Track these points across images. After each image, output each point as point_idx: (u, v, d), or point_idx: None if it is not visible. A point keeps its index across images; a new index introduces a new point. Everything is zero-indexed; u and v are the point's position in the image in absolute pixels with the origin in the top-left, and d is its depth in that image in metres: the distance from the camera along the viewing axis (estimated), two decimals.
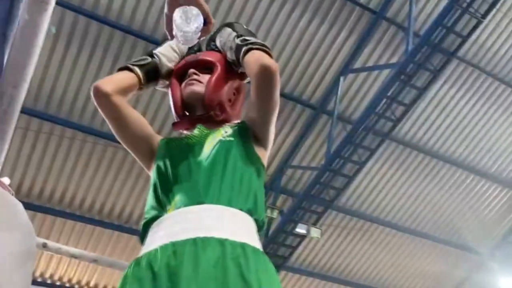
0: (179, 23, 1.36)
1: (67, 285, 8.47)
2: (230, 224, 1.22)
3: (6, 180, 1.43)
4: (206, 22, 1.41)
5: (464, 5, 6.46)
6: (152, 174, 1.40)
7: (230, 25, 1.55)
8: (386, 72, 7.47)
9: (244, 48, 1.41)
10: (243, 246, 1.17)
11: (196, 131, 1.43)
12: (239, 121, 1.51)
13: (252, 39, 1.43)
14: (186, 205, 1.25)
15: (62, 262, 8.19)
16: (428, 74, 6.94)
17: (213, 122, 1.45)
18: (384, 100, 7.04)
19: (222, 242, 1.16)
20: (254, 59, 1.37)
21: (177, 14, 1.37)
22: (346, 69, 7.57)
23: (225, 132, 1.40)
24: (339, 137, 7.70)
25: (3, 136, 1.75)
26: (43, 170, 7.40)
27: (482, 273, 10.22)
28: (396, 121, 7.27)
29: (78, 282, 8.53)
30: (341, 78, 7.59)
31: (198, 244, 1.15)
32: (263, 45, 1.41)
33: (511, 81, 8.38)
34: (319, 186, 7.69)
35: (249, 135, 1.41)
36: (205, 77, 1.47)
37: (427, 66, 6.82)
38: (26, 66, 1.60)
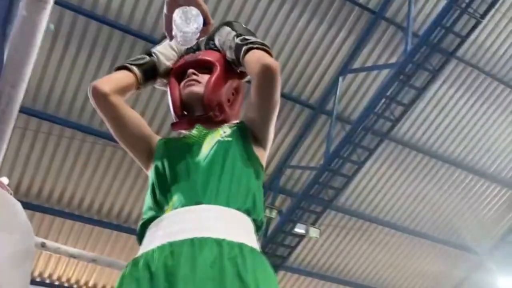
0: (179, 24, 1.36)
1: (66, 284, 8.47)
2: (228, 225, 1.22)
3: (4, 180, 1.42)
4: (205, 22, 1.41)
5: (463, 5, 6.46)
6: (150, 174, 1.40)
7: (229, 24, 1.55)
8: (385, 72, 7.48)
9: (244, 48, 1.40)
10: (241, 246, 1.17)
11: (194, 131, 1.42)
12: (238, 121, 1.51)
13: (252, 38, 1.42)
14: (184, 205, 1.25)
15: (60, 261, 8.18)
16: (427, 74, 6.95)
17: (212, 122, 1.45)
18: (383, 100, 7.04)
19: (219, 242, 1.16)
20: (255, 59, 1.36)
21: (177, 14, 1.36)
22: (345, 69, 7.57)
23: (223, 132, 1.40)
24: (338, 137, 7.70)
25: (1, 136, 1.75)
26: (42, 170, 7.39)
27: (481, 273, 10.23)
28: (395, 121, 7.27)
29: (77, 282, 8.53)
30: (340, 78, 7.60)
31: (195, 244, 1.15)
32: (263, 44, 1.41)
33: (510, 81, 8.38)
34: (318, 186, 7.69)
35: (248, 135, 1.41)
36: (204, 77, 1.46)
37: (426, 66, 6.83)
38: (25, 66, 1.60)
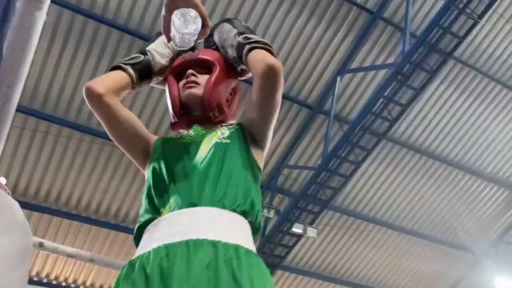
0: (177, 25, 1.36)
1: (63, 284, 8.45)
2: (224, 227, 1.22)
3: (2, 180, 1.42)
4: (203, 24, 1.41)
5: (461, 6, 6.47)
6: (147, 175, 1.39)
7: (229, 21, 1.54)
8: (383, 72, 7.49)
9: (247, 47, 1.40)
10: (236, 248, 1.17)
11: (192, 132, 1.42)
12: (236, 122, 1.51)
13: (254, 37, 1.42)
14: (180, 207, 1.25)
15: (58, 261, 8.17)
16: (425, 74, 6.96)
17: (211, 122, 1.45)
18: (381, 100, 7.05)
19: (215, 244, 1.16)
20: (259, 59, 1.36)
21: (176, 16, 1.36)
22: (343, 69, 7.58)
23: (221, 133, 1.39)
24: (335, 137, 7.71)
25: None
26: (40, 169, 7.38)
27: (478, 273, 10.25)
28: (393, 121, 7.28)
29: (74, 281, 8.52)
30: (338, 78, 7.60)
31: (190, 246, 1.15)
32: (266, 43, 1.40)
33: (507, 82, 8.40)
34: (316, 185, 7.70)
35: (246, 137, 1.40)
36: (203, 78, 1.46)
37: (423, 67, 6.84)
38: (21, 66, 1.60)
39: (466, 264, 10.29)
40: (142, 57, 1.47)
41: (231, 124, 1.50)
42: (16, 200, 1.23)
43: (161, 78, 1.53)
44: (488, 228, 10.02)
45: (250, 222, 1.29)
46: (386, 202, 9.25)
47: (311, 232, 8.07)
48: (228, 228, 1.22)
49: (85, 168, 7.52)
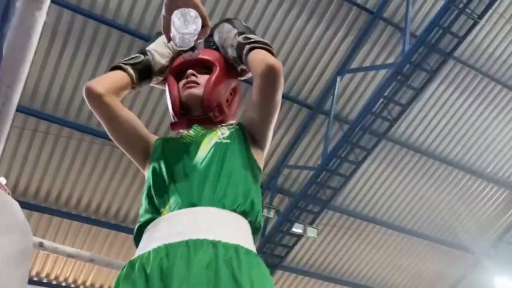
0: (177, 25, 1.36)
1: (63, 284, 8.45)
2: (224, 227, 1.22)
3: (2, 180, 1.42)
4: (203, 25, 1.41)
5: (461, 6, 6.47)
6: (147, 175, 1.39)
7: (228, 21, 1.54)
8: (383, 72, 7.49)
9: (247, 47, 1.40)
10: (236, 248, 1.17)
11: (191, 132, 1.42)
12: (236, 122, 1.51)
13: (255, 37, 1.42)
14: (180, 207, 1.25)
15: (58, 261, 8.17)
16: (425, 74, 6.96)
17: (211, 122, 1.45)
18: (381, 100, 7.05)
19: (215, 244, 1.16)
20: (259, 59, 1.36)
21: (176, 16, 1.36)
22: (343, 69, 7.58)
23: (221, 134, 1.39)
24: (335, 137, 7.71)
25: None
26: (40, 169, 7.38)
27: (478, 273, 10.26)
28: (393, 121, 7.28)
29: (74, 281, 8.52)
30: (338, 78, 7.60)
31: (190, 246, 1.15)
32: (266, 43, 1.40)
33: (507, 82, 8.40)
34: (316, 185, 7.70)
35: (247, 137, 1.40)
36: (203, 78, 1.46)
37: (423, 67, 6.84)
38: (21, 66, 1.60)
39: (466, 264, 10.29)
40: (142, 57, 1.47)
41: (231, 124, 1.50)
42: (16, 200, 1.23)
43: (161, 78, 1.52)
44: (488, 228, 10.02)
45: (250, 222, 1.29)
46: (386, 202, 9.25)
47: (311, 232, 8.07)
48: (228, 228, 1.22)
49: (85, 168, 7.52)
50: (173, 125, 1.50)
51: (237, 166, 1.33)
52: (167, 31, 1.42)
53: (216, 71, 1.47)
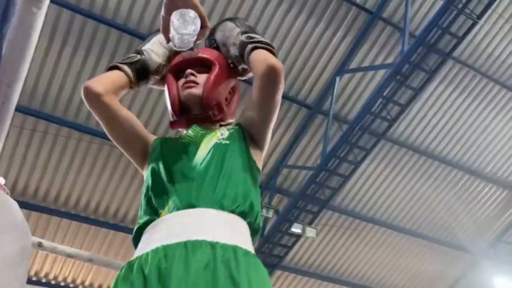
0: (177, 26, 1.36)
1: (62, 284, 8.45)
2: (222, 228, 1.22)
3: (1, 180, 1.42)
4: (202, 25, 1.41)
5: (460, 6, 6.48)
6: (146, 175, 1.39)
7: (232, 19, 1.54)
8: (382, 72, 7.49)
9: (250, 46, 1.40)
10: (235, 249, 1.17)
11: (190, 132, 1.41)
12: (235, 122, 1.51)
13: (258, 37, 1.42)
14: (179, 208, 1.25)
15: (57, 261, 8.17)
16: (424, 74, 6.96)
17: (210, 121, 1.45)
18: (380, 100, 7.05)
19: (213, 245, 1.16)
20: (261, 59, 1.36)
21: (175, 16, 1.36)
22: (342, 69, 7.58)
23: (221, 134, 1.39)
24: (334, 137, 7.71)
25: None
26: (38, 169, 7.38)
27: (477, 273, 10.27)
28: (392, 121, 7.28)
29: (73, 281, 8.51)
30: (337, 78, 7.61)
31: (188, 247, 1.15)
32: (268, 44, 1.40)
33: (506, 82, 8.41)
34: (315, 185, 7.70)
35: (246, 137, 1.40)
36: (202, 77, 1.46)
37: (422, 67, 6.84)
38: (21, 65, 1.60)
39: (465, 264, 10.30)
40: (138, 56, 1.47)
41: (229, 124, 1.51)
42: (14, 199, 1.23)
43: (158, 78, 1.52)
44: (487, 228, 10.03)
45: (249, 223, 1.29)
46: (385, 202, 9.25)
47: (310, 232, 8.07)
48: (227, 229, 1.22)
49: (84, 168, 7.52)
50: (172, 124, 1.50)
51: (237, 167, 1.33)
52: (166, 31, 1.42)
53: (215, 70, 1.46)
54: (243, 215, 1.27)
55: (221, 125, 1.52)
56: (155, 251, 1.18)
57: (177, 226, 1.22)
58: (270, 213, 8.02)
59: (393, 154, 8.70)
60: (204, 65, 1.48)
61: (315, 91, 7.81)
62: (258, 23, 6.93)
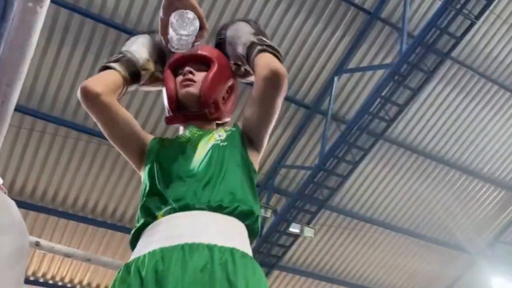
0: (176, 27, 1.36)
1: (60, 284, 8.44)
2: (220, 230, 1.21)
3: None
4: (201, 26, 1.41)
5: (458, 6, 6.49)
6: (143, 177, 1.39)
7: (246, 21, 1.53)
8: (380, 73, 7.50)
9: (258, 47, 1.39)
10: (232, 251, 1.17)
11: (187, 133, 1.41)
12: (230, 120, 1.51)
13: (267, 42, 1.42)
14: (176, 211, 1.24)
15: (54, 261, 8.16)
16: (422, 74, 6.97)
17: (206, 119, 1.45)
18: (378, 100, 7.06)
19: (210, 248, 1.16)
20: (266, 62, 1.36)
21: (174, 17, 1.36)
22: (340, 69, 7.58)
23: (218, 136, 1.39)
24: (333, 136, 7.71)
25: None
26: (36, 169, 7.36)
27: (475, 273, 10.28)
28: (390, 121, 7.29)
29: (71, 281, 8.50)
30: (336, 78, 7.61)
31: (186, 250, 1.15)
32: (276, 50, 1.40)
33: (504, 82, 8.42)
34: (313, 185, 7.70)
35: (244, 139, 1.40)
36: (200, 75, 1.46)
37: (421, 67, 6.85)
38: (20, 65, 1.59)
39: (463, 264, 10.31)
40: (125, 56, 1.45)
41: (225, 123, 1.51)
42: (12, 199, 1.22)
43: (147, 76, 1.49)
44: (484, 228, 10.05)
45: (248, 226, 1.29)
46: (383, 202, 9.26)
47: (308, 232, 8.08)
48: (224, 231, 1.22)
49: (81, 168, 7.51)
50: (168, 119, 1.49)
51: (235, 169, 1.33)
52: (164, 32, 1.42)
53: (214, 68, 1.46)
54: (241, 217, 1.27)
55: (217, 124, 1.52)
56: (152, 253, 1.18)
57: (174, 229, 1.21)
58: (268, 213, 8.03)
59: (391, 154, 8.71)
60: (203, 63, 1.48)
61: (313, 91, 7.81)
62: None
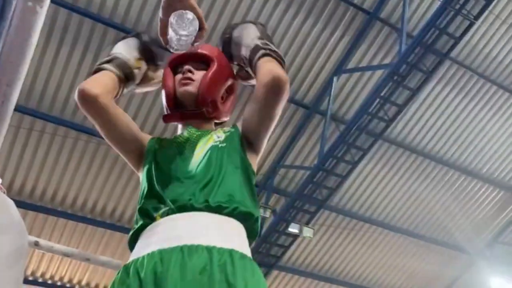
0: (175, 27, 1.36)
1: (59, 283, 8.43)
2: (219, 232, 1.21)
3: None
4: (200, 27, 1.41)
5: (457, 6, 6.49)
6: (141, 178, 1.39)
7: (254, 23, 1.53)
8: (379, 73, 7.50)
9: (262, 51, 1.39)
10: (231, 252, 1.17)
11: (186, 133, 1.41)
12: (228, 120, 1.51)
13: (272, 47, 1.42)
14: (175, 212, 1.24)
15: (53, 260, 8.15)
16: (421, 74, 6.97)
17: (204, 118, 1.45)
18: (377, 101, 7.06)
19: (209, 250, 1.16)
20: (268, 67, 1.35)
21: (173, 17, 1.36)
22: (339, 69, 7.59)
23: (217, 137, 1.39)
24: (332, 137, 7.72)
25: None
26: (35, 168, 7.36)
27: (474, 273, 10.29)
28: (389, 121, 7.29)
29: (70, 281, 8.50)
30: (335, 78, 7.61)
31: (185, 251, 1.15)
32: (280, 56, 1.40)
33: (502, 83, 8.43)
34: (312, 185, 7.70)
35: (242, 140, 1.40)
36: (199, 74, 1.46)
37: (420, 67, 6.85)
38: (20, 65, 1.60)
39: (462, 264, 10.32)
40: (114, 56, 1.44)
41: (223, 122, 1.51)
42: (11, 199, 1.22)
43: (140, 75, 1.48)
44: (483, 228, 10.05)
45: (247, 227, 1.29)
46: (382, 202, 9.27)
47: (307, 232, 8.08)
48: (223, 233, 1.22)
49: (81, 167, 7.51)
50: (165, 117, 1.49)
51: (233, 171, 1.32)
52: (163, 33, 1.41)
53: (214, 67, 1.46)
54: (240, 218, 1.27)
55: (216, 124, 1.52)
56: (151, 255, 1.18)
57: (172, 230, 1.21)
58: (267, 213, 8.03)
59: (390, 154, 8.71)
60: (203, 62, 1.48)
61: (312, 91, 7.81)
62: None
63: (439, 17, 6.60)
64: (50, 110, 6.99)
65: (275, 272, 9.16)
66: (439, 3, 6.72)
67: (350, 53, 7.48)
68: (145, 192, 1.33)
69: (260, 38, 1.45)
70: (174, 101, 1.46)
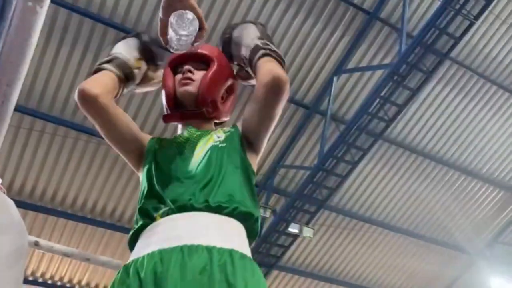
0: (175, 27, 1.36)
1: (59, 283, 8.43)
2: (219, 232, 1.21)
3: None
4: (200, 27, 1.41)
5: (457, 6, 6.49)
6: (141, 178, 1.39)
7: (255, 24, 1.53)
8: (379, 73, 7.50)
9: (262, 51, 1.39)
10: (231, 252, 1.17)
11: (186, 133, 1.41)
12: (228, 120, 1.51)
13: (272, 47, 1.42)
14: (175, 212, 1.24)
15: (53, 260, 8.15)
16: (421, 75, 6.97)
17: (204, 118, 1.45)
18: (377, 101, 7.06)
19: (209, 250, 1.16)
20: (268, 67, 1.35)
21: (173, 17, 1.36)
22: (339, 69, 7.59)
23: (217, 137, 1.39)
24: (332, 137, 7.72)
25: None
26: (35, 168, 7.36)
27: (474, 273, 10.29)
28: (389, 121, 7.29)
29: (70, 281, 8.50)
30: (335, 78, 7.61)
31: (185, 251, 1.15)
32: (280, 56, 1.40)
33: (502, 83, 8.43)
34: (312, 185, 7.70)
35: (242, 141, 1.40)
36: (199, 74, 1.46)
37: (420, 67, 6.85)
38: (20, 65, 1.60)
39: (462, 264, 10.32)
40: (114, 56, 1.44)
41: (223, 122, 1.51)
42: (11, 199, 1.22)
43: (140, 75, 1.48)
44: (483, 228, 10.05)
45: (247, 227, 1.29)
46: (382, 202, 9.27)
47: (307, 232, 8.08)
48: (223, 233, 1.22)
49: (81, 167, 7.51)
50: (165, 117, 1.49)
51: (233, 171, 1.32)
52: (163, 33, 1.41)
53: (214, 67, 1.46)
54: (240, 218, 1.27)
55: (216, 124, 1.52)
56: (151, 255, 1.18)
57: (172, 230, 1.21)
58: (267, 213, 8.03)
59: (390, 154, 8.71)
60: (203, 62, 1.48)
61: (312, 91, 7.81)
62: None
63: (439, 17, 6.60)
64: (50, 110, 6.99)
65: (275, 272, 9.16)
66: (439, 3, 6.72)
67: (350, 53, 7.48)
68: (145, 192, 1.33)
69: (260, 38, 1.45)
70: (174, 101, 1.46)
